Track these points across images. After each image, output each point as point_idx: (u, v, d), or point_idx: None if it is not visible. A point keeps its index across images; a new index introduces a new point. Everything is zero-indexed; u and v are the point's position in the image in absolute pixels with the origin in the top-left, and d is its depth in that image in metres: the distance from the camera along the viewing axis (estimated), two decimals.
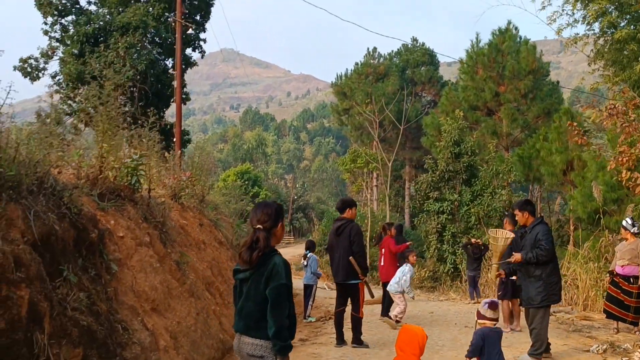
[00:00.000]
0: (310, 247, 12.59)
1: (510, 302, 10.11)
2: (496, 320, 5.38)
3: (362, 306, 8.48)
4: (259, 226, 3.90)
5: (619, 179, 12.06)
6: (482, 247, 14.81)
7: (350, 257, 8.20)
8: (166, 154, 10.44)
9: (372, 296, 9.12)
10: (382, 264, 11.84)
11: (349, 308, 8.58)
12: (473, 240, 15.79)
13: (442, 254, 23.10)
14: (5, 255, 4.32)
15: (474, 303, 14.19)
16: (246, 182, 49.47)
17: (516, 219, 8.44)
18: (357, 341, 8.41)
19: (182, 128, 21.72)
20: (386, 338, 9.21)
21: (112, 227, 6.51)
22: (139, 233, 7.01)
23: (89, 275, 5.57)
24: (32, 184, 5.18)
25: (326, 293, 17.32)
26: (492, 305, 5.34)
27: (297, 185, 75.04)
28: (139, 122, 8.92)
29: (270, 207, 4.03)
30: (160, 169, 9.80)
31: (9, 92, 5.21)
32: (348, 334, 8.60)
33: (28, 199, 5.02)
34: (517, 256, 7.71)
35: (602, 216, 16.26)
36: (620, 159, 11.60)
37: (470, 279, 15.31)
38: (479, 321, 5.38)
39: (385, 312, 11.41)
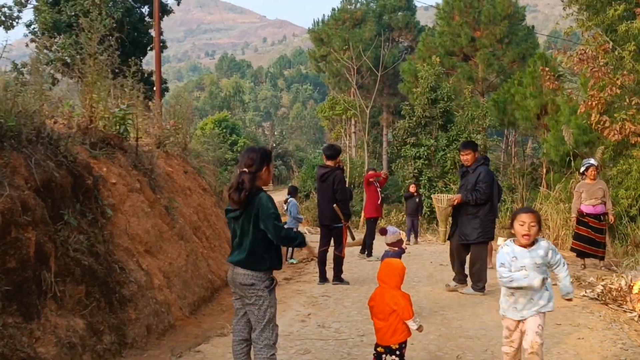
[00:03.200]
0: (292, 192, 12.96)
1: None
2: (388, 244, 6.35)
3: (345, 247, 8.96)
4: (244, 169, 4.25)
5: (589, 122, 12.49)
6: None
7: (335, 205, 8.66)
8: (150, 103, 10.66)
9: (353, 239, 9.60)
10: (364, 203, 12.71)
11: (331, 249, 9.07)
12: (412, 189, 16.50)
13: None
14: (13, 200, 4.65)
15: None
16: (224, 130, 49.57)
17: (463, 158, 8.56)
18: (338, 279, 8.91)
19: None
20: (365, 276, 9.73)
21: (104, 174, 6.82)
22: (130, 180, 7.33)
23: (87, 219, 5.91)
24: (29, 133, 5.46)
25: (307, 237, 17.80)
26: (381, 231, 6.43)
27: (275, 133, 75.11)
28: (120, 71, 9.05)
29: (256, 152, 4.37)
30: (145, 118, 10.04)
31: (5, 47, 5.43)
32: (329, 274, 9.09)
33: (28, 148, 5.32)
34: (457, 197, 8.26)
35: (572, 159, 16.79)
36: (589, 103, 12.01)
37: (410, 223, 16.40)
38: None
39: (364, 250, 12.13)
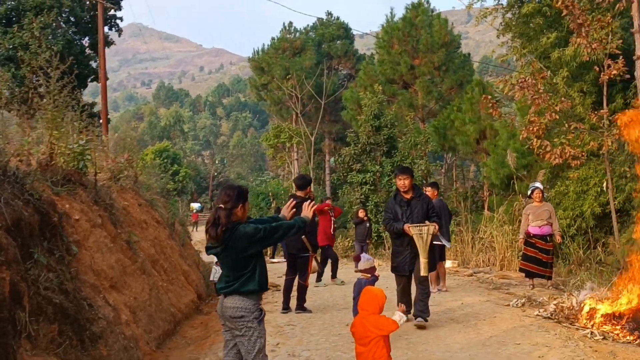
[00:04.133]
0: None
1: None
2: (361, 270, 6.85)
3: (309, 277, 9.12)
4: (220, 205, 4.38)
5: (530, 147, 13.01)
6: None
7: (303, 237, 8.79)
8: (103, 137, 10.63)
9: (319, 269, 9.76)
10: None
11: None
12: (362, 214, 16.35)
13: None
14: None
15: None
16: (165, 160, 49.14)
17: (400, 183, 7.99)
18: (301, 307, 9.02)
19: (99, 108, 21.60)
20: (326, 304, 9.87)
21: (67, 210, 6.79)
22: (92, 215, 7.30)
23: (54, 256, 5.88)
24: None
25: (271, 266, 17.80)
26: (355, 258, 6.83)
27: (216, 162, 74.73)
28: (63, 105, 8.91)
29: (233, 189, 4.52)
30: (99, 152, 10.00)
31: None
32: (292, 302, 9.21)
33: None
34: (436, 225, 7.72)
35: (515, 181, 17.41)
36: (531, 129, 12.54)
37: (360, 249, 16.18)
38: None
39: (320, 278, 12.38)
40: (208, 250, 4.48)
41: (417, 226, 7.64)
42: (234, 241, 4.28)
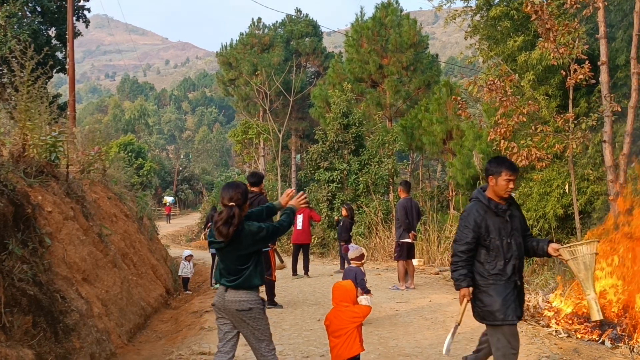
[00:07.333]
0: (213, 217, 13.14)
1: (405, 263, 11.08)
2: (352, 259, 7.08)
3: (274, 270, 9.17)
4: (232, 204, 4.46)
5: (498, 148, 13.21)
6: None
7: None
8: (74, 129, 10.54)
9: (282, 262, 9.82)
10: (298, 228, 13.34)
11: None
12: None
13: (332, 220, 23.87)
14: None
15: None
16: (130, 154, 48.60)
17: (508, 185, 4.87)
18: (272, 302, 9.08)
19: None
20: (297, 299, 9.94)
21: (40, 202, 6.74)
22: (64, 208, 7.27)
23: (28, 248, 5.85)
24: None
25: None
26: (344, 249, 6.79)
27: (181, 156, 74.22)
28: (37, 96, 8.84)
29: (241, 187, 4.63)
30: (69, 145, 9.92)
31: None
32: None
33: None
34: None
35: (480, 182, 17.68)
36: (499, 130, 12.75)
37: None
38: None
39: (295, 272, 12.77)
40: (211, 244, 4.62)
41: (568, 247, 5.05)
42: (239, 238, 4.44)
